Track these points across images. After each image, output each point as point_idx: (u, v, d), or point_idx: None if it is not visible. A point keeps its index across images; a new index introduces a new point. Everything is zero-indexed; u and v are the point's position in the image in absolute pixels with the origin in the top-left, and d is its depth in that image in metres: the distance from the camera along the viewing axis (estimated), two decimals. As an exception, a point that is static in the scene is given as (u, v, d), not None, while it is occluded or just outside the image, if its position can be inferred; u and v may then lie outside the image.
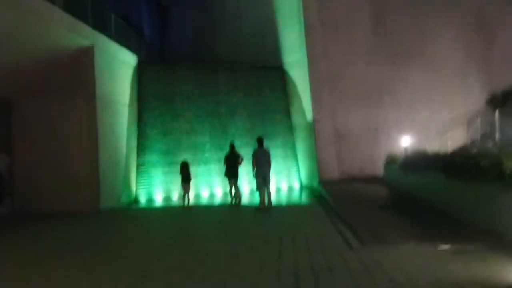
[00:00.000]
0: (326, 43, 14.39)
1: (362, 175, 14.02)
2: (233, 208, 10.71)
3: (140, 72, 13.56)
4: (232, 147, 11.28)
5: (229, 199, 11.25)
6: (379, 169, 14.19)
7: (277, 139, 14.62)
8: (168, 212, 10.94)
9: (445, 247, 5.25)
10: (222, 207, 10.98)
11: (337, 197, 10.19)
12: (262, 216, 9.16)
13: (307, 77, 14.12)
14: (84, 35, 10.28)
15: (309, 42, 14.16)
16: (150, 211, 11.39)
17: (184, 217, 9.87)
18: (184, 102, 13.91)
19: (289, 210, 9.81)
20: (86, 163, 10.79)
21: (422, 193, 8.79)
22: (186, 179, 10.78)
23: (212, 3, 18.22)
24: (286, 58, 15.14)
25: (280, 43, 15.28)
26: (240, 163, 11.29)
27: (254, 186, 12.73)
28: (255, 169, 9.94)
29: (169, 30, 21.13)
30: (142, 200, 12.70)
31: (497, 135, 13.44)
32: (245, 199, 11.56)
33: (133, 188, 12.67)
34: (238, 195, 11.16)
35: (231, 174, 11.04)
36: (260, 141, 10.19)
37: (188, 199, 10.87)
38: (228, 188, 11.44)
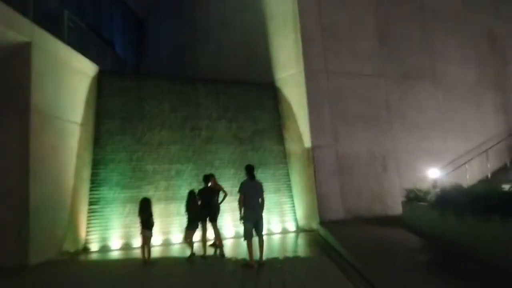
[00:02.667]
0: (327, 58, 12.21)
1: (371, 214, 11.52)
2: (211, 263, 7.90)
3: (101, 85, 10.96)
4: (207, 179, 8.67)
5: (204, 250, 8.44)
6: (389, 207, 11.87)
7: (268, 169, 12.04)
8: (122, 268, 8.00)
9: None
10: (198, 260, 8.12)
11: (353, 248, 7.57)
12: (254, 280, 6.43)
13: (305, 96, 11.79)
14: (17, 27, 7.72)
15: (307, 55, 11.95)
16: (99, 266, 8.44)
17: (140, 279, 6.98)
18: (155, 123, 11.28)
19: (290, 267, 7.08)
20: (13, 201, 7.93)
21: (476, 244, 6.29)
22: (146, 224, 7.94)
23: (194, 14, 16.05)
24: (279, 74, 12.83)
25: (272, 57, 13.02)
26: (220, 201, 8.67)
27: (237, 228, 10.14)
28: (243, 209, 7.29)
29: (147, 45, 18.79)
30: (94, 248, 9.74)
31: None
32: (227, 249, 8.70)
33: (82, 233, 9.73)
34: (220, 241, 8.42)
35: (206, 215, 8.34)
36: (250, 170, 7.58)
37: (149, 251, 7.99)
38: (200, 235, 8.70)
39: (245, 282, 6.33)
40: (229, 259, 7.97)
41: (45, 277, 7.22)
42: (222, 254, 8.26)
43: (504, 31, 15.05)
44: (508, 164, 12.94)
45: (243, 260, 7.47)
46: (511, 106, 14.46)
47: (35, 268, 7.74)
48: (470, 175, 11.72)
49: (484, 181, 11.89)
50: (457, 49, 14.14)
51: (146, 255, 7.90)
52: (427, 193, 8.60)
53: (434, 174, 9.25)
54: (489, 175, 12.24)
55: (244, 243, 7.34)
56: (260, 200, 7.42)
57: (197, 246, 8.23)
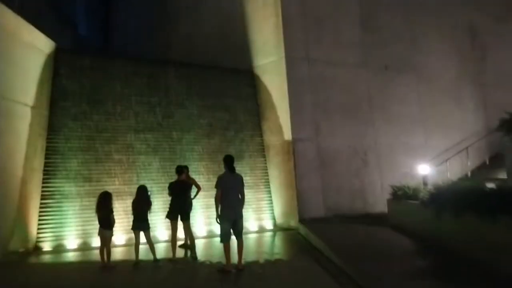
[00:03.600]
0: (308, 44, 11.43)
1: (352, 212, 10.92)
2: (181, 268, 6.97)
3: (58, 64, 9.67)
4: (181, 171, 7.70)
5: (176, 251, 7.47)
6: (370, 204, 11.35)
7: (244, 163, 11.13)
8: (76, 273, 6.91)
9: None
10: (165, 263, 7.14)
11: (340, 250, 6.85)
12: (231, 287, 5.57)
13: (285, 85, 10.97)
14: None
15: (288, 41, 11.11)
16: (49, 269, 7.26)
17: (97, 287, 5.94)
18: (119, 108, 10.12)
19: (273, 273, 6.27)
20: None
21: (478, 246, 5.73)
22: (105, 222, 6.86)
23: (165, -6, 14.82)
24: (258, 60, 11.93)
25: (250, 41, 12.09)
26: (194, 195, 7.73)
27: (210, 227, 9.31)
28: (219, 206, 6.39)
29: (114, 27, 17.31)
30: (46, 247, 8.53)
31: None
32: (199, 250, 7.76)
33: (33, 231, 8.49)
34: (192, 242, 7.49)
35: (177, 212, 7.39)
36: (229, 161, 6.68)
37: (109, 253, 6.93)
38: (169, 235, 7.75)
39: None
40: (203, 263, 7.06)
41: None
42: (194, 257, 7.34)
43: (484, 26, 14.84)
44: (487, 162, 12.73)
45: (219, 264, 6.58)
46: (490, 102, 14.27)
47: (-29, 273, 6.54)
48: (450, 172, 11.40)
49: (464, 179, 11.57)
50: (439, 42, 13.75)
51: (105, 258, 6.85)
52: (417, 190, 8.02)
53: (424, 170, 8.71)
54: (469, 173, 11.97)
55: (220, 244, 6.45)
56: (239, 196, 6.54)
57: (144, 249, 7.21)
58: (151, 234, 7.44)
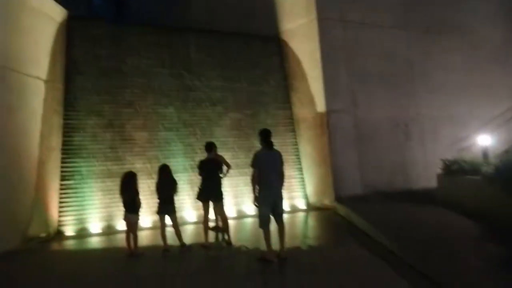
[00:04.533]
0: (342, 4, 10.29)
1: (392, 189, 10.02)
2: (215, 255, 6.30)
3: (71, 34, 8.89)
4: (210, 147, 6.91)
5: (211, 236, 6.79)
6: (413, 180, 10.43)
7: (273, 138, 10.25)
8: (100, 261, 6.33)
9: None
10: (196, 251, 6.47)
11: (389, 232, 6.05)
12: (278, 282, 4.86)
13: (318, 51, 9.95)
14: None
15: (320, 0, 10.01)
16: (70, 258, 6.73)
17: (123, 278, 5.32)
18: (138, 81, 9.35)
19: (320, 260, 5.53)
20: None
21: None
22: (130, 206, 6.20)
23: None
24: (285, 24, 10.87)
25: (277, 3, 10.99)
26: (224, 174, 6.96)
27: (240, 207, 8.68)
28: (257, 188, 5.61)
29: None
30: (68, 232, 8.01)
31: None
32: (234, 235, 7.04)
33: (53, 214, 7.96)
34: (226, 225, 6.79)
35: (209, 193, 6.65)
36: (265, 136, 5.87)
37: (136, 240, 6.30)
38: (201, 217, 7.03)
39: (267, 285, 4.74)
40: (238, 248, 6.36)
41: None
42: (228, 241, 6.66)
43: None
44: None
45: (258, 251, 5.85)
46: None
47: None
48: (500, 143, 10.30)
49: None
50: (484, 1, 12.33)
51: (132, 245, 6.22)
52: (476, 164, 7.06)
53: (484, 141, 7.70)
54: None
55: (254, 227, 5.72)
56: (277, 175, 5.72)
57: (171, 232, 6.54)
58: (178, 216, 6.73)
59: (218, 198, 6.62)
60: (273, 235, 5.56)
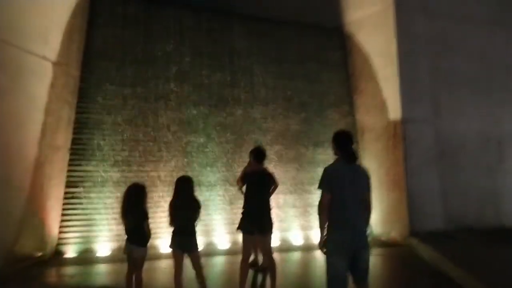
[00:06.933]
0: (426, -9, 8.25)
1: (481, 224, 7.75)
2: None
3: (94, 11, 7.39)
4: (262, 155, 4.93)
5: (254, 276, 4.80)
6: (505, 214, 8.16)
7: (329, 150, 8.27)
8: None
9: None
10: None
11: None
12: None
13: (394, 44, 7.93)
14: None
15: (399, -17, 8.02)
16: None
17: None
18: (170, 72, 7.69)
19: None
20: None
21: None
22: (134, 234, 4.27)
23: None
24: (351, 14, 8.90)
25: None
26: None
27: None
28: (326, 223, 3.56)
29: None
30: (69, 252, 6.34)
31: None
32: (280, 279, 4.96)
33: (52, 230, 6.31)
34: (273, 268, 4.75)
35: (258, 220, 4.64)
36: (343, 142, 3.70)
37: (139, 284, 4.27)
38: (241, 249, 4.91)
39: None
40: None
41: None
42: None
43: None
44: None
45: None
46: None
47: None
48: None
49: None
50: None
51: (133, 288, 4.31)
52: None
53: None
54: None
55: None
56: (359, 203, 3.63)
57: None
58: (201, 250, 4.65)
59: (267, 228, 4.64)
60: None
